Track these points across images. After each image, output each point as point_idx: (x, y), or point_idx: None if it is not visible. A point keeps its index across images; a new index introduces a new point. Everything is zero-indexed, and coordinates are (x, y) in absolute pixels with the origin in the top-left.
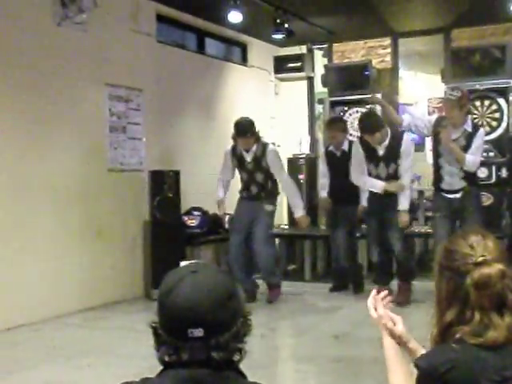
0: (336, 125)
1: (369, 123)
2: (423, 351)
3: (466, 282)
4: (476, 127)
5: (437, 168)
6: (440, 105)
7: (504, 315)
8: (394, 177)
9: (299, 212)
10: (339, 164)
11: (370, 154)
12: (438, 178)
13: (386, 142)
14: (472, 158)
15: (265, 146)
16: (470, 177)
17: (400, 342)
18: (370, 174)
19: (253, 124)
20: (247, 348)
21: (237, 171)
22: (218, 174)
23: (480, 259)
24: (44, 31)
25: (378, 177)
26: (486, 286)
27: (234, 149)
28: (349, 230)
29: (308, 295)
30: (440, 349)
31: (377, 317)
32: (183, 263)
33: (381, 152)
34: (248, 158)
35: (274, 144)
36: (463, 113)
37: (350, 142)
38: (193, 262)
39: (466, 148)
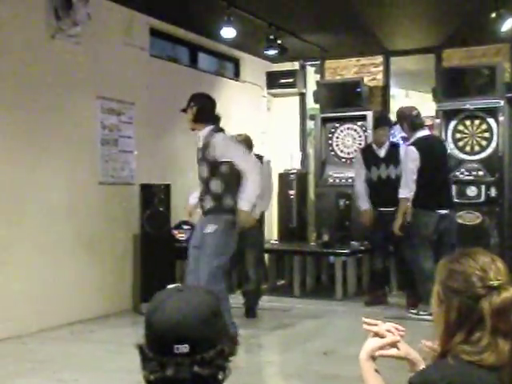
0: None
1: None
2: (423, 365)
3: (481, 306)
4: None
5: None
6: (431, 123)
7: (509, 340)
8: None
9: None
10: None
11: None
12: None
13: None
14: (401, 192)
15: (212, 134)
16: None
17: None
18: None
19: None
20: (232, 366)
21: None
22: None
23: (496, 283)
24: (37, 43)
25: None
26: (506, 311)
27: None
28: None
29: (297, 311)
30: (435, 365)
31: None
32: (170, 286)
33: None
34: (200, 143)
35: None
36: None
37: None
38: (178, 284)
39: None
